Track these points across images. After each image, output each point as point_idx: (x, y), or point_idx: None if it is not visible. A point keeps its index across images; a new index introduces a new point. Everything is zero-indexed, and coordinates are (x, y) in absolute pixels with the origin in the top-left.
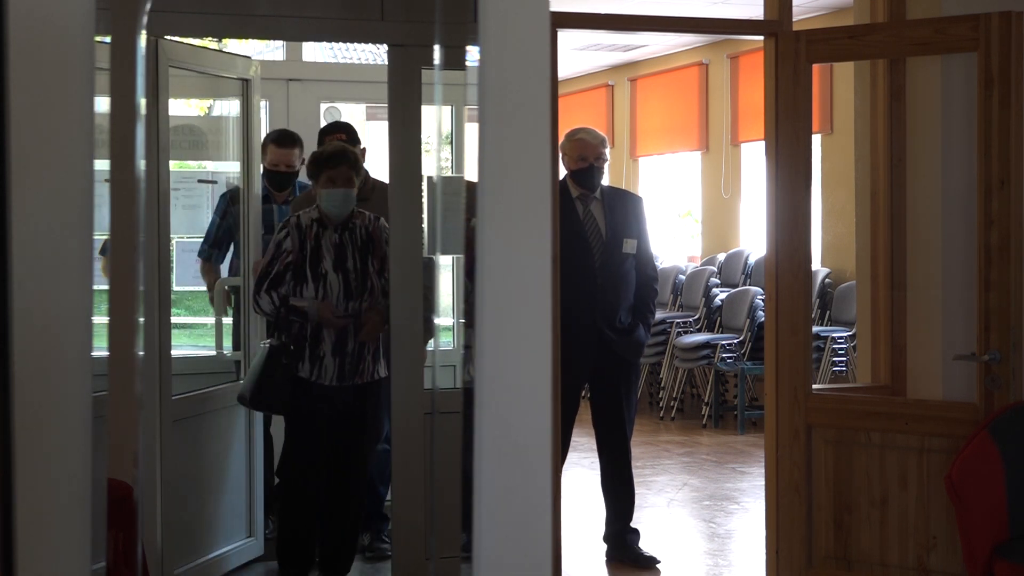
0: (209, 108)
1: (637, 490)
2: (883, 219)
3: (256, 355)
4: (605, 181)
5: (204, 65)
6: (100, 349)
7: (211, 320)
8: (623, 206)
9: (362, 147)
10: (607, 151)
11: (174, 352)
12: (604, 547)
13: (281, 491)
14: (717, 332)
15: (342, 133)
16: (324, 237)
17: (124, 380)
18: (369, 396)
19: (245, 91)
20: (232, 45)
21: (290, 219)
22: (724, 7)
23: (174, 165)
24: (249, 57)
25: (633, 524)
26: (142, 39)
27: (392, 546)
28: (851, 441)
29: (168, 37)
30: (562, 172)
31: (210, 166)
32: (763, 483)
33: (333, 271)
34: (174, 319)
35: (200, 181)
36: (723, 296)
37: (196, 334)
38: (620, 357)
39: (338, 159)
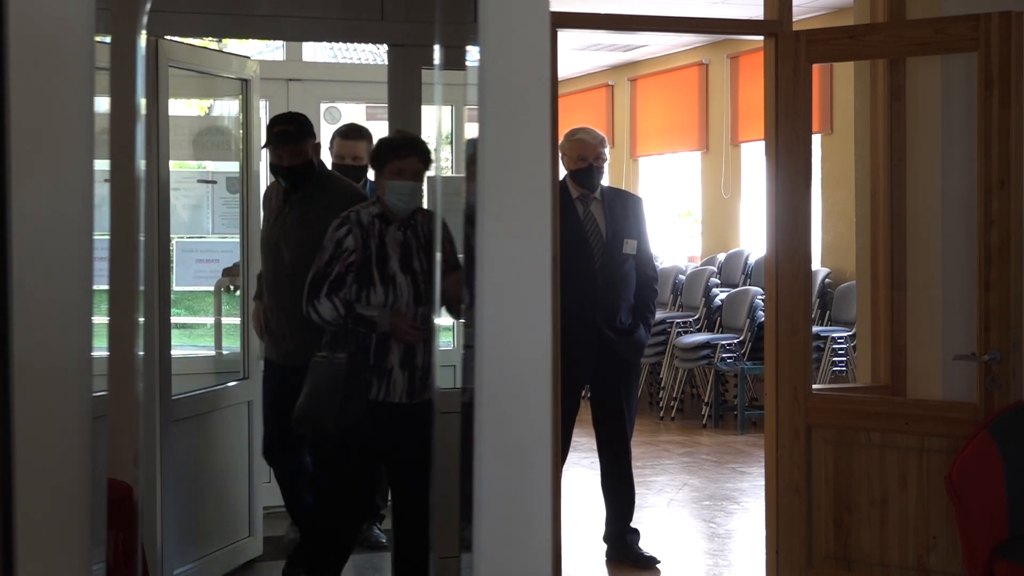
0: (210, 108)
1: (637, 490)
2: (883, 219)
3: (314, 372)
4: (605, 181)
5: (203, 65)
6: (100, 349)
7: (211, 320)
8: (623, 206)
9: (316, 142)
10: (607, 151)
11: (174, 352)
12: (604, 547)
13: (311, 512)
14: (717, 332)
15: (290, 124)
16: (388, 235)
17: (124, 380)
18: (433, 413)
19: (245, 91)
20: (232, 45)
21: (349, 214)
22: (724, 7)
23: (174, 165)
24: (248, 57)
25: (633, 524)
26: (142, 39)
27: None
28: (851, 441)
29: (168, 37)
30: (562, 172)
31: (210, 166)
32: (763, 483)
33: (401, 273)
34: (174, 319)
35: (200, 181)
36: (723, 296)
37: (196, 334)
38: (620, 357)
39: (408, 148)
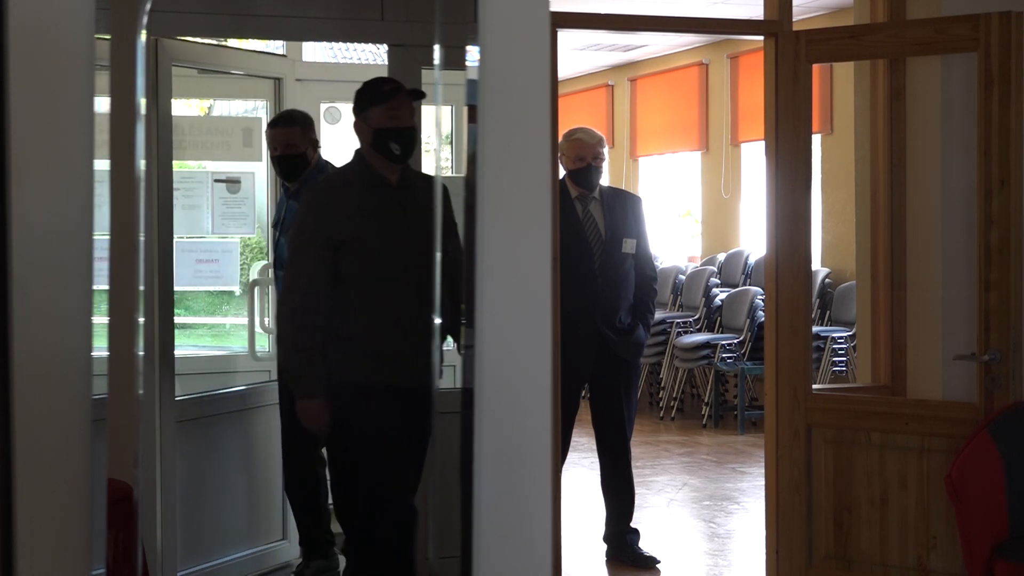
0: (209, 108)
1: (637, 490)
2: (883, 219)
3: None
4: (605, 181)
5: (228, 66)
6: (100, 349)
7: (211, 320)
8: (622, 206)
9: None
10: (605, 151)
11: (203, 352)
12: (604, 547)
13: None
14: (717, 332)
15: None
16: None
17: (124, 380)
18: None
19: (277, 90)
20: (231, 45)
21: None
22: (724, 7)
23: (175, 165)
24: (284, 55)
25: (633, 524)
26: (142, 38)
27: None
28: (851, 441)
29: (183, 38)
30: (561, 172)
31: (228, 166)
32: (763, 483)
33: None
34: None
35: (217, 181)
36: (723, 296)
37: (196, 334)
38: (620, 357)
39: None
